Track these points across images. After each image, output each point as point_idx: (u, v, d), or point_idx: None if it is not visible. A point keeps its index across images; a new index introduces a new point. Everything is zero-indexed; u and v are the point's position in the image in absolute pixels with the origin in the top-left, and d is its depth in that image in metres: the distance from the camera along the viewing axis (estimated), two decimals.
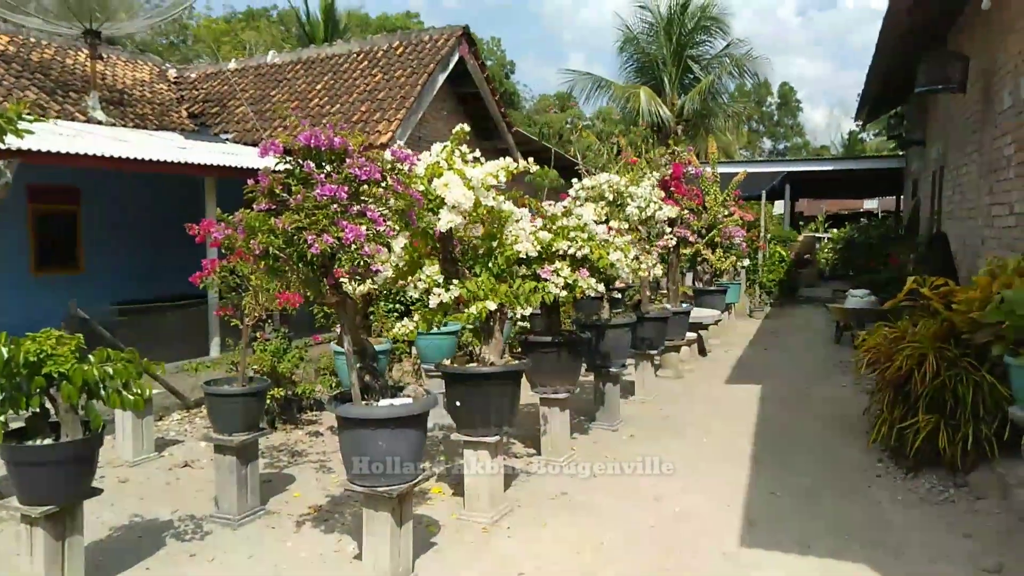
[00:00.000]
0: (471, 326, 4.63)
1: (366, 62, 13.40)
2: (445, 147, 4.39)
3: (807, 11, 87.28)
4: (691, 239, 8.95)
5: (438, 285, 4.30)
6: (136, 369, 3.37)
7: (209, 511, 4.66)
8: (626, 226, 6.22)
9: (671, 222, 7.71)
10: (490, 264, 4.56)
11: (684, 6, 23.10)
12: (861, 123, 18.79)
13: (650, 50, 23.75)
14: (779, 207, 23.76)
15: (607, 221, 6.15)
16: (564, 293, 4.70)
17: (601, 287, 5.02)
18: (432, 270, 4.29)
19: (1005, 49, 6.78)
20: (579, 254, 5.10)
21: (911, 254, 12.55)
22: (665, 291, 9.40)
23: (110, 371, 3.27)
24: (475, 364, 4.43)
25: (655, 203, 6.30)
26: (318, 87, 13.19)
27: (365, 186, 3.34)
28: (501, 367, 4.36)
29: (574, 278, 4.90)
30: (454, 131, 4.41)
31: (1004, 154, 6.72)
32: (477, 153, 4.54)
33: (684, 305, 8.78)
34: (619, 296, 9.12)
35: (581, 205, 6.14)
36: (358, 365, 3.62)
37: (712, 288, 11.32)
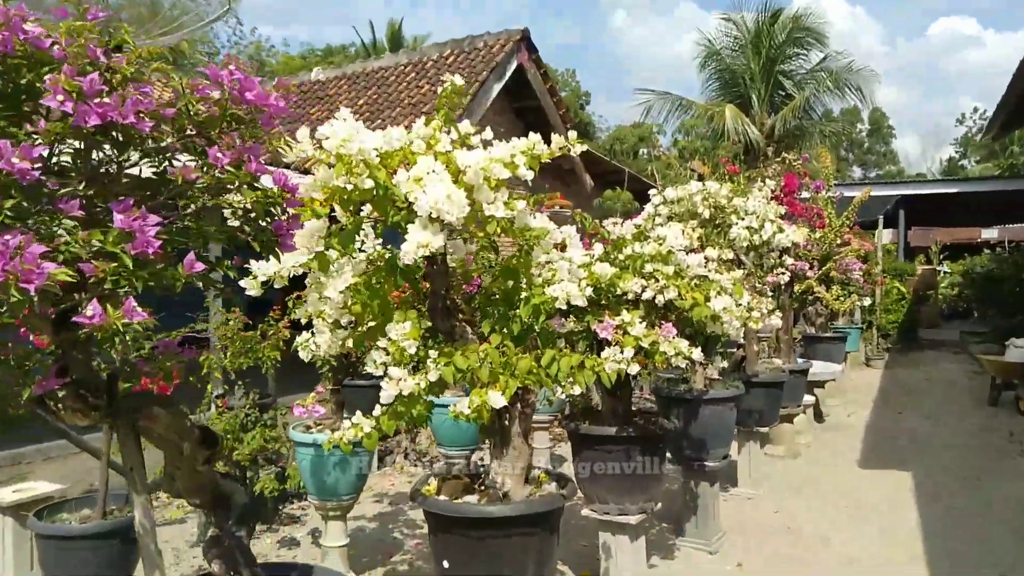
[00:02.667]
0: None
1: (413, 73, 11.88)
2: (428, 120, 2.59)
3: (894, 39, 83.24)
4: (808, 273, 6.86)
5: (416, 358, 2.44)
6: None
7: None
8: (730, 255, 4.26)
9: (784, 251, 5.67)
10: (510, 317, 2.68)
11: (774, 17, 20.94)
12: (992, 136, 16.07)
13: (735, 66, 21.63)
14: (886, 236, 21.01)
15: (701, 248, 4.22)
16: (635, 368, 2.77)
17: (697, 352, 3.06)
18: (403, 330, 2.42)
19: None
20: (661, 299, 3.18)
21: None
22: (772, 340, 7.26)
23: None
24: (477, 496, 2.55)
25: (773, 222, 4.31)
26: (360, 102, 11.73)
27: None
28: (523, 504, 2.46)
29: (652, 339, 2.98)
30: (441, 88, 2.62)
31: None
32: (488, 134, 2.73)
33: (801, 360, 6.64)
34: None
35: (662, 225, 4.24)
36: (210, 532, 1.80)
37: (828, 335, 9.07)
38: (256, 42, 37.84)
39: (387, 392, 2.25)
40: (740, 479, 5.68)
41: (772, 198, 4.73)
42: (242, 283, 2.30)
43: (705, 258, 4.33)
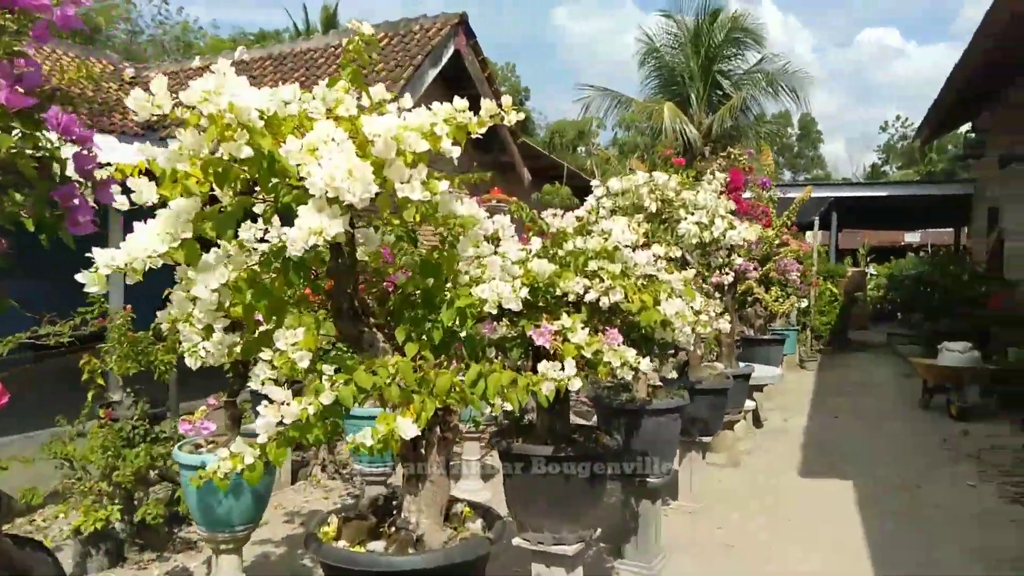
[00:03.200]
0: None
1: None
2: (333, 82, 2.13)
3: (823, 47, 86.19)
4: (754, 274, 6.62)
5: (305, 370, 1.96)
6: None
7: None
8: (676, 253, 3.90)
9: (732, 250, 5.37)
10: (428, 322, 2.23)
11: (713, 16, 20.98)
12: (922, 141, 16.43)
13: (675, 64, 21.62)
14: (818, 238, 21.33)
15: (647, 245, 3.86)
16: (577, 384, 2.36)
17: (646, 364, 2.68)
18: (294, 337, 1.94)
19: None
20: (606, 301, 2.79)
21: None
22: (711, 342, 7.00)
23: None
24: (385, 541, 2.09)
25: (724, 218, 3.97)
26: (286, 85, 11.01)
27: None
28: (439, 553, 2.01)
29: (596, 347, 2.58)
30: (347, 40, 2.16)
31: None
32: (406, 102, 2.27)
33: (743, 365, 6.39)
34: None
35: (605, 219, 3.85)
36: None
37: (766, 337, 8.91)
38: (183, 23, 36.18)
39: (264, 420, 1.77)
40: (681, 492, 5.37)
41: (721, 193, 4.40)
42: (79, 276, 1.78)
43: (655, 256, 3.97)
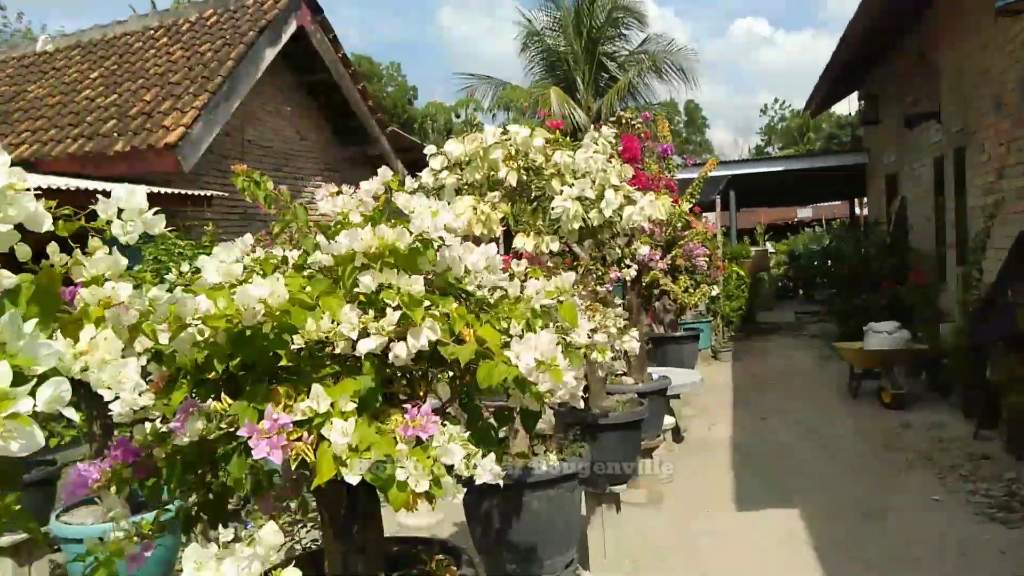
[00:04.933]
0: None
1: (165, 39, 9.44)
2: None
3: (700, 38, 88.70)
4: (658, 264, 5.43)
5: None
6: None
7: None
8: (555, 245, 2.58)
9: (632, 236, 4.11)
10: None
11: None
12: (811, 112, 15.96)
13: (557, 47, 20.62)
14: (714, 219, 20.75)
15: (508, 235, 2.53)
16: None
17: (489, 465, 1.33)
18: None
19: None
20: (403, 351, 1.40)
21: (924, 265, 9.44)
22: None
23: None
24: None
25: (618, 189, 2.67)
26: (94, 75, 9.13)
27: None
28: None
29: (385, 450, 1.19)
30: None
31: None
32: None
33: (657, 374, 5.16)
34: None
35: (437, 199, 2.50)
36: None
37: (679, 334, 7.80)
38: (26, 30, 32.72)
39: None
40: (593, 558, 4.06)
41: (611, 157, 3.11)
42: None
43: (515, 253, 2.65)
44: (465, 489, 1.75)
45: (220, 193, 7.72)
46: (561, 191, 2.54)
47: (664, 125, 7.84)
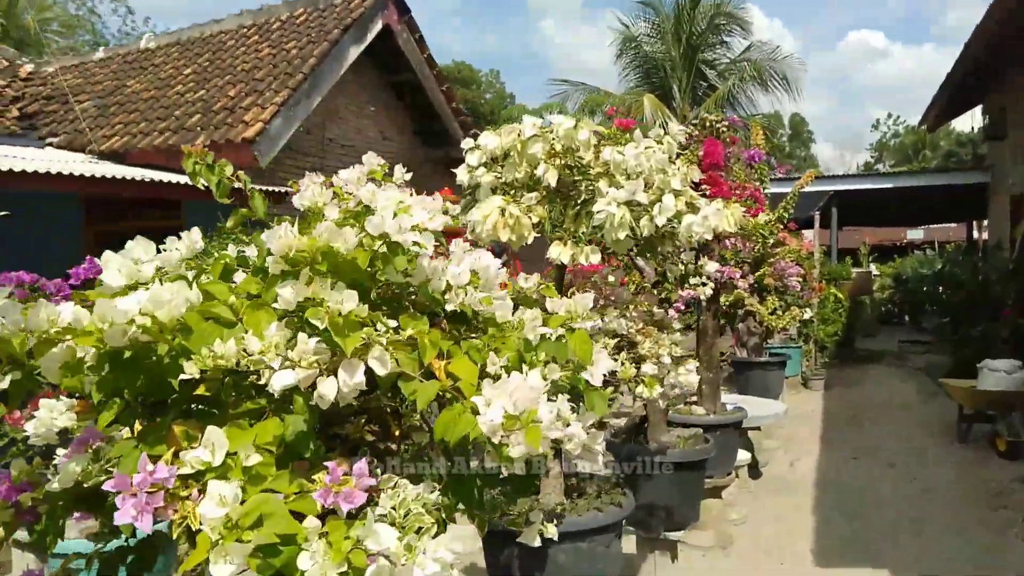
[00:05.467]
0: None
1: (256, 36, 9.57)
2: None
3: (810, 52, 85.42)
4: (739, 283, 4.94)
5: None
6: None
7: None
8: (595, 257, 2.20)
9: (703, 250, 3.66)
10: None
11: (694, 1, 19.39)
12: (928, 126, 14.77)
13: (655, 53, 20.00)
14: (811, 236, 19.59)
15: (544, 238, 2.18)
16: None
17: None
18: None
19: None
20: (330, 389, 1.07)
21: None
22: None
23: None
24: None
25: (680, 195, 2.26)
26: (187, 71, 9.34)
27: None
28: None
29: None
30: None
31: None
32: None
33: (731, 405, 4.67)
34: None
35: (477, 202, 2.20)
36: None
37: (763, 359, 7.19)
38: (151, 33, 34.76)
39: None
40: None
41: (680, 155, 2.70)
42: None
43: (548, 264, 2.34)
44: None
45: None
46: (608, 191, 2.16)
47: (759, 133, 7.26)
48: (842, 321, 11.55)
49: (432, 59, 9.90)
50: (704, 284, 4.20)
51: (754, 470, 6.13)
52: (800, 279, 8.02)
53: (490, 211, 2.09)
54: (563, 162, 2.31)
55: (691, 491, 3.54)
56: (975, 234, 19.02)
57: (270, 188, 7.32)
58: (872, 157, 59.90)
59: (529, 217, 2.17)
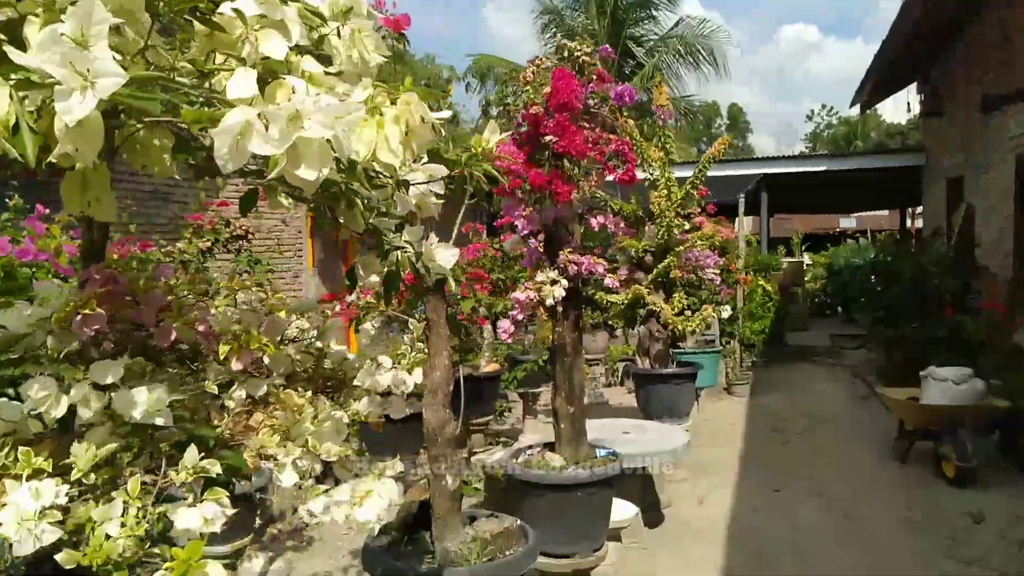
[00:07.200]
0: None
1: None
2: None
3: (745, 44, 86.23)
4: (608, 280, 3.62)
5: None
6: None
7: None
8: None
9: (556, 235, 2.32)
10: None
11: None
12: (860, 107, 13.88)
13: (577, 27, 18.73)
14: (745, 224, 18.60)
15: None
16: None
17: None
18: None
19: None
20: None
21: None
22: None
23: None
24: None
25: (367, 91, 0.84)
26: None
27: None
28: None
29: None
30: None
31: None
32: None
33: (602, 449, 3.34)
34: None
35: None
36: None
37: (671, 371, 5.90)
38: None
39: None
40: None
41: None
42: None
43: None
44: None
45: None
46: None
47: (663, 92, 5.99)
48: (771, 316, 10.47)
49: None
50: (554, 283, 2.86)
51: (655, 513, 4.86)
52: (718, 271, 6.81)
53: None
54: None
55: None
56: (908, 222, 18.41)
57: None
58: (807, 148, 60.48)
59: None
